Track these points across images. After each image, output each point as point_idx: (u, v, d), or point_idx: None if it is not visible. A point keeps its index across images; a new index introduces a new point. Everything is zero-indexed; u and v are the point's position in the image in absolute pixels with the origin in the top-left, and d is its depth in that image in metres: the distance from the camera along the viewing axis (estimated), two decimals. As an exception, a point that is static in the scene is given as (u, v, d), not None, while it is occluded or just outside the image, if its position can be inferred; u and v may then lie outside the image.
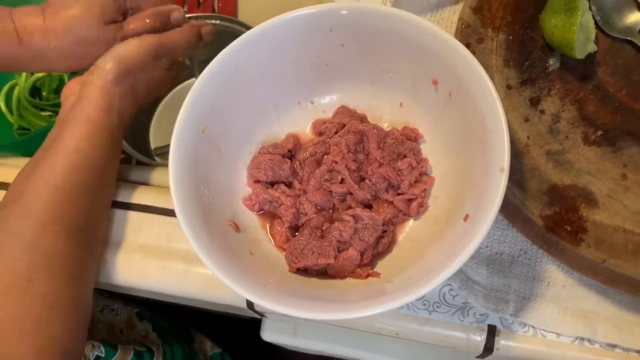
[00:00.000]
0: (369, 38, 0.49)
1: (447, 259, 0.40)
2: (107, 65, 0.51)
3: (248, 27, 0.81)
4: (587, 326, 0.46)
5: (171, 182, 0.43)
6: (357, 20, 0.47)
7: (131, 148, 0.71)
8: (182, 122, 0.45)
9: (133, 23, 0.54)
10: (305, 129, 0.55)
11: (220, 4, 0.91)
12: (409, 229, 0.49)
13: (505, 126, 0.41)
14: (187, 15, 0.80)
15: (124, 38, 0.53)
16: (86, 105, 0.50)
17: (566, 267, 0.47)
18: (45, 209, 0.46)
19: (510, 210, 0.47)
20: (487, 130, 0.43)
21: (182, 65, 0.63)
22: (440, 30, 0.45)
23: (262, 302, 0.40)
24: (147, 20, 0.55)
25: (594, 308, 0.47)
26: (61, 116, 0.51)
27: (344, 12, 0.47)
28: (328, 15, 0.47)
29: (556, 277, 0.48)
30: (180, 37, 0.56)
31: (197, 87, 0.46)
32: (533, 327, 0.47)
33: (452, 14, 0.57)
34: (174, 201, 0.43)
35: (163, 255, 0.52)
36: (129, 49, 0.52)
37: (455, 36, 0.51)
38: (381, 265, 0.48)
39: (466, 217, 0.42)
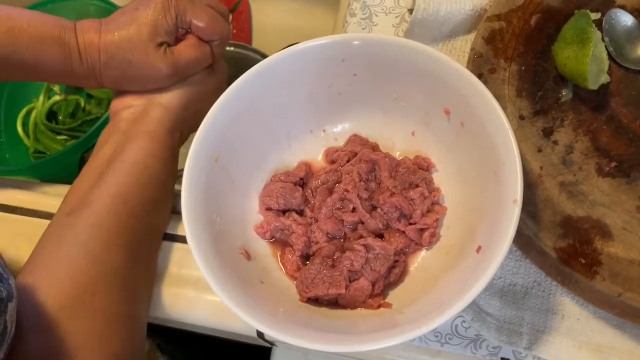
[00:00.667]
0: (380, 68, 0.49)
1: (459, 291, 0.40)
2: (181, 90, 0.53)
3: (262, 54, 0.82)
4: (603, 361, 0.46)
5: (183, 209, 0.43)
6: (368, 50, 0.48)
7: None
8: (195, 150, 0.46)
9: (185, 50, 0.52)
10: (317, 157, 0.55)
11: (235, 31, 0.93)
12: (421, 259, 0.49)
13: (518, 157, 0.41)
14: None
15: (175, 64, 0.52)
16: (152, 123, 0.51)
17: (581, 299, 0.46)
18: (112, 221, 0.46)
19: (523, 241, 0.46)
20: (500, 161, 0.43)
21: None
22: (451, 61, 0.45)
23: (272, 333, 0.39)
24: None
25: (609, 342, 0.46)
26: (121, 128, 0.52)
27: (356, 42, 0.47)
28: (340, 45, 0.48)
29: (571, 309, 0.47)
30: (219, 51, 0.56)
31: (211, 116, 0.47)
32: (547, 361, 0.46)
33: (465, 44, 0.57)
34: (186, 228, 0.43)
35: (174, 282, 0.52)
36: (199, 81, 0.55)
37: (467, 66, 0.52)
38: (393, 296, 0.47)
39: (479, 249, 0.42)
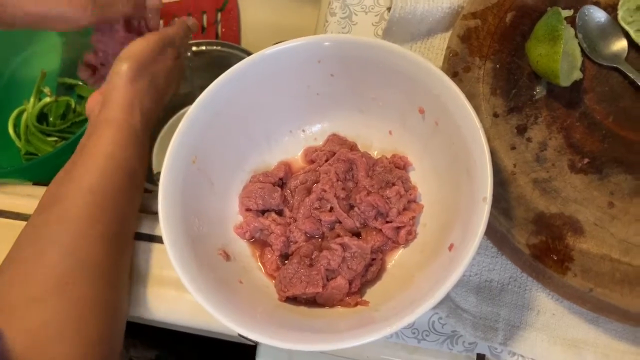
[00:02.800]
0: (356, 68, 0.50)
1: (431, 288, 0.40)
2: (122, 67, 0.54)
3: (249, 53, 0.83)
4: (577, 355, 0.46)
5: (160, 212, 0.44)
6: (341, 51, 0.48)
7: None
8: (172, 152, 0.46)
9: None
10: (296, 156, 0.55)
11: (223, 30, 0.93)
12: (398, 257, 0.49)
13: (488, 156, 0.41)
14: (191, 42, 0.82)
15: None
16: (109, 108, 0.53)
17: (556, 295, 0.47)
18: (81, 214, 0.47)
19: (498, 238, 0.47)
20: (471, 159, 0.43)
21: (184, 56, 0.67)
22: (423, 60, 0.46)
23: (250, 334, 0.40)
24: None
25: (584, 337, 0.47)
26: (91, 122, 0.54)
27: (327, 43, 0.48)
28: (314, 47, 0.48)
29: (546, 305, 0.48)
30: (176, 29, 0.62)
31: (188, 117, 0.47)
32: (522, 356, 0.47)
33: (443, 42, 0.57)
34: (163, 231, 0.43)
35: (155, 282, 0.53)
36: (138, 47, 0.56)
37: (443, 65, 0.52)
38: (370, 293, 0.48)
39: (451, 247, 0.43)
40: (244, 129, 0.53)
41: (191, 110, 0.48)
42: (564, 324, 0.47)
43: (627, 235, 0.44)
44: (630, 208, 0.45)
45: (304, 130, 0.55)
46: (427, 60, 0.46)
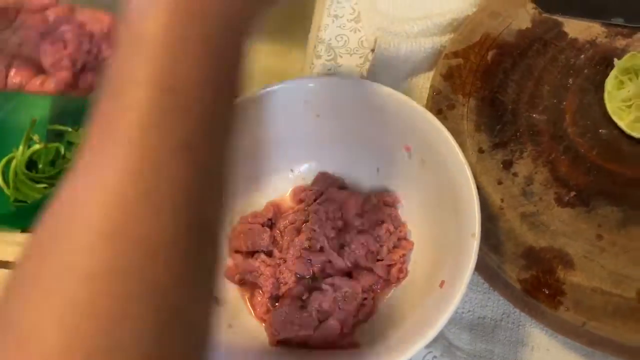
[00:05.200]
0: (342, 108, 0.50)
1: (423, 327, 0.40)
2: None
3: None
4: (574, 392, 0.45)
5: None
6: (327, 91, 0.49)
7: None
8: None
9: None
10: (285, 196, 0.55)
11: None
12: (389, 296, 0.49)
13: (475, 191, 0.42)
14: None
15: None
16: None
17: (549, 330, 0.46)
18: None
19: (489, 274, 0.46)
20: (459, 196, 0.43)
21: None
22: (407, 99, 0.46)
23: None
24: None
25: (580, 372, 0.46)
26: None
27: (311, 84, 0.49)
28: (298, 88, 0.49)
29: (540, 340, 0.47)
30: None
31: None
32: (519, 394, 0.46)
33: (426, 81, 0.58)
34: None
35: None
36: None
37: (427, 103, 0.53)
38: (362, 333, 0.47)
39: (442, 284, 0.42)
40: (231, 172, 0.53)
41: None
42: (559, 359, 0.47)
43: (617, 267, 0.44)
44: (619, 240, 0.45)
45: (292, 170, 0.56)
46: (411, 99, 0.46)
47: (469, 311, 0.49)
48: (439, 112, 0.51)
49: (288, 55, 0.95)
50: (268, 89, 0.49)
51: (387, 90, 0.47)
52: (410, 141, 0.48)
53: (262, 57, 0.97)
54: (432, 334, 0.39)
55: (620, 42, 0.53)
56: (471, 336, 0.48)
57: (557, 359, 0.47)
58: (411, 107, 0.46)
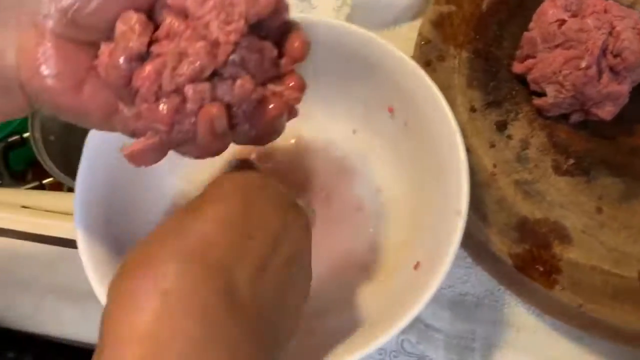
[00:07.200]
0: (321, 55, 0.43)
1: (393, 314, 0.35)
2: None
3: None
4: (561, 378, 0.41)
5: (76, 212, 0.36)
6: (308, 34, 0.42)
7: (59, 171, 0.63)
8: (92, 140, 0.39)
9: None
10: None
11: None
12: (345, 272, 0.43)
13: (465, 163, 0.36)
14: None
15: None
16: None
17: (537, 310, 0.42)
18: None
19: (475, 246, 0.42)
20: (444, 167, 0.38)
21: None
22: (394, 48, 0.40)
23: None
24: None
25: (567, 357, 0.42)
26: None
27: None
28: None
29: (526, 322, 0.43)
30: None
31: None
32: (502, 379, 0.42)
33: (409, 31, 0.52)
34: (78, 237, 0.36)
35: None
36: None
37: (414, 53, 0.47)
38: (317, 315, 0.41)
39: (417, 265, 0.37)
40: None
41: None
42: (546, 342, 0.42)
43: (618, 244, 0.40)
44: (620, 214, 0.41)
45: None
46: (397, 49, 0.40)
47: (450, 287, 0.44)
48: (427, 64, 0.45)
49: None
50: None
51: (372, 36, 0.41)
52: (393, 100, 0.42)
53: None
54: (402, 324, 0.33)
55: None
56: (451, 315, 0.43)
57: (545, 342, 0.42)
58: (399, 58, 0.40)
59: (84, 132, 0.77)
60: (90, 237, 0.36)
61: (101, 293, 0.34)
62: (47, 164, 0.64)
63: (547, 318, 0.43)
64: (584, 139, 0.43)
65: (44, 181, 0.67)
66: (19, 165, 0.72)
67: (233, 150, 0.32)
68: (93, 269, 0.34)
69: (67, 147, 0.72)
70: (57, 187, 0.68)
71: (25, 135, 0.68)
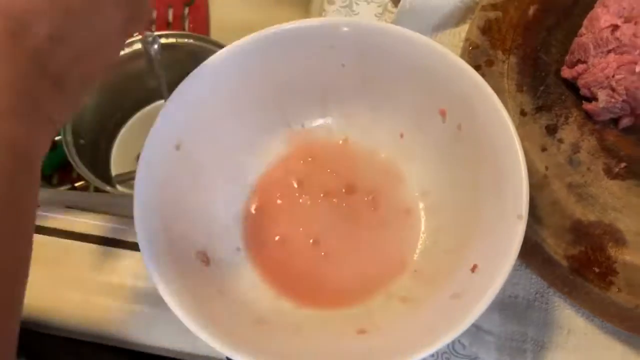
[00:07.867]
0: (372, 59, 0.44)
1: (452, 317, 0.35)
2: None
3: (222, 46, 0.76)
4: (613, 380, 0.42)
5: (136, 211, 0.37)
6: (360, 38, 0.43)
7: (90, 174, 0.64)
8: (152, 137, 0.39)
9: None
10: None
11: (191, 25, 0.86)
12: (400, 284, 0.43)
13: (524, 166, 0.36)
14: (157, 33, 0.74)
15: None
16: None
17: (586, 312, 0.42)
18: None
19: (527, 248, 0.42)
20: (502, 170, 0.38)
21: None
22: (450, 52, 0.41)
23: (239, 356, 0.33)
24: None
25: (618, 359, 0.42)
26: None
27: (345, 28, 0.42)
28: (329, 30, 0.42)
29: (576, 323, 0.43)
30: None
31: (172, 101, 0.40)
32: (554, 381, 0.42)
33: (453, 37, 0.53)
34: (138, 234, 0.36)
35: (128, 296, 0.45)
36: None
37: (462, 58, 0.47)
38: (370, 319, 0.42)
39: (474, 268, 0.37)
40: (237, 120, 0.46)
41: (175, 96, 0.41)
42: (597, 344, 0.43)
43: (671, 247, 0.40)
44: (672, 217, 0.41)
45: (303, 125, 0.49)
46: (453, 54, 0.41)
47: (500, 289, 0.44)
48: (477, 68, 0.46)
49: (274, 6, 0.87)
50: (292, 26, 0.42)
51: (427, 41, 0.41)
52: (446, 103, 0.42)
53: (244, 9, 0.89)
54: (464, 326, 0.34)
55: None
56: (501, 317, 0.43)
57: (595, 344, 0.43)
58: (454, 62, 0.40)
59: (112, 136, 0.78)
60: (149, 234, 0.36)
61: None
62: (79, 166, 0.64)
63: (596, 320, 0.43)
64: (633, 143, 0.44)
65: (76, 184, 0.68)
66: (46, 170, 0.72)
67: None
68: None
69: (97, 150, 0.73)
70: (84, 187, 0.68)
71: (57, 138, 0.68)
